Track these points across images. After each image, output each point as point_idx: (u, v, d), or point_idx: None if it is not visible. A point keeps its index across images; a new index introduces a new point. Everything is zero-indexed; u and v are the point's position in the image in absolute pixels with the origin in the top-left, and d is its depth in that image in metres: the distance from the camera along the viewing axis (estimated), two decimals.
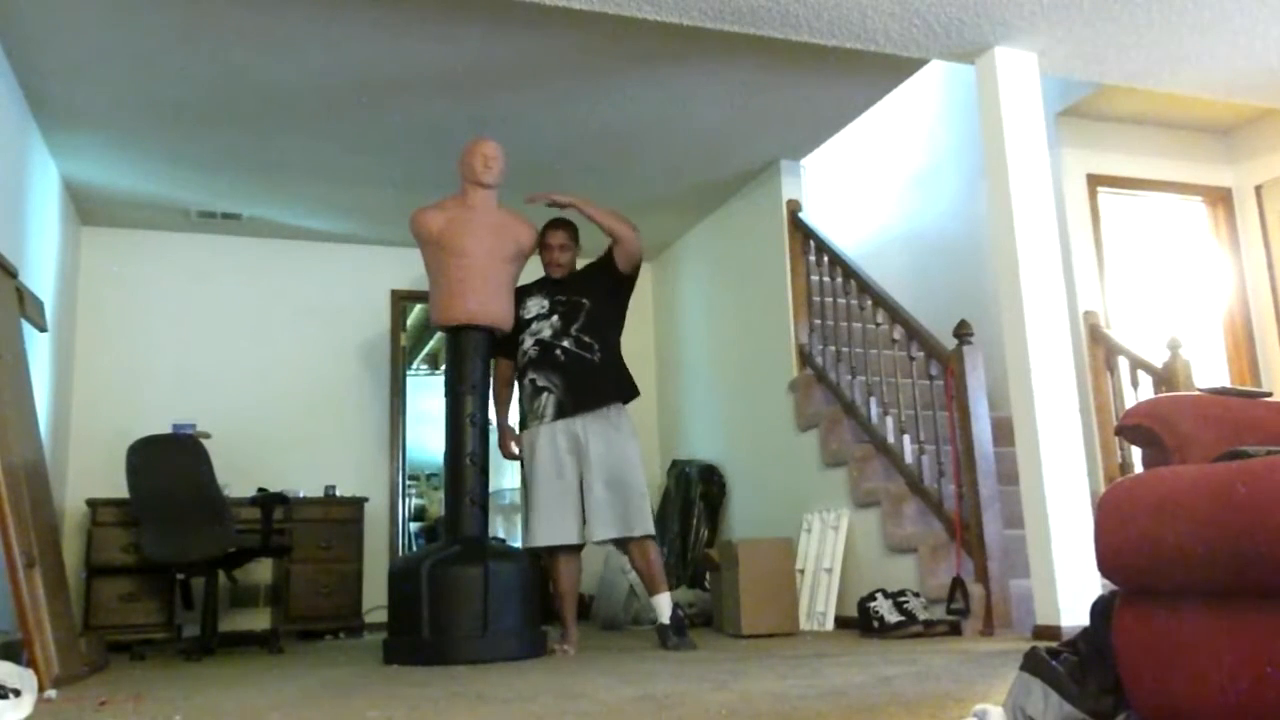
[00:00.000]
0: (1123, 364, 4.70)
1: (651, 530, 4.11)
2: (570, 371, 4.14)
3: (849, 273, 5.05)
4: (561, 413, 4.12)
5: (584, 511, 4.11)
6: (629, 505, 4.05)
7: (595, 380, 4.17)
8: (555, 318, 4.22)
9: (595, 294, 4.29)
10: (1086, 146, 5.22)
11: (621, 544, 4.14)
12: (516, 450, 4.30)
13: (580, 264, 4.46)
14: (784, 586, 4.49)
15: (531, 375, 4.19)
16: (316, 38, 4.04)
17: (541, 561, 4.34)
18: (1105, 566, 1.64)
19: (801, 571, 4.83)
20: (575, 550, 4.17)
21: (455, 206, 4.17)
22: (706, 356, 6.46)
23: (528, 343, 4.23)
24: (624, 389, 4.25)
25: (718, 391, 6.30)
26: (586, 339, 4.20)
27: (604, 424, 4.13)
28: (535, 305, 4.29)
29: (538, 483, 4.13)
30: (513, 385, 4.42)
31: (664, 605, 4.04)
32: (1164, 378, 4.40)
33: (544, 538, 4.09)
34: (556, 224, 4.40)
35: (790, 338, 5.43)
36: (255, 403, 6.14)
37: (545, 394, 4.15)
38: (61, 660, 3.21)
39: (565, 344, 4.17)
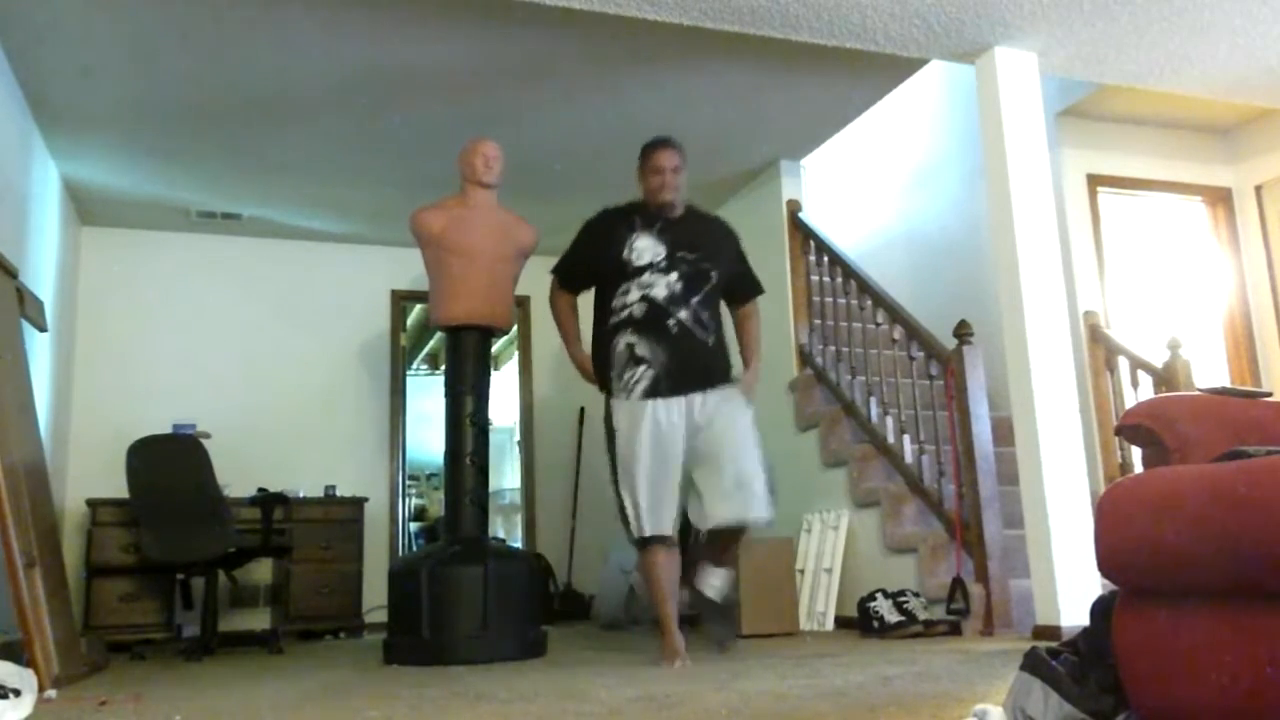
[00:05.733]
0: (1123, 364, 4.70)
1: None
2: (680, 350, 3.49)
3: (849, 273, 5.05)
4: (654, 393, 3.46)
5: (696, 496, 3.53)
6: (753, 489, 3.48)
7: (706, 364, 3.55)
8: (675, 276, 3.51)
9: (722, 266, 3.67)
10: (1086, 146, 5.22)
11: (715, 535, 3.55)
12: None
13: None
14: (784, 586, 4.49)
15: (630, 339, 3.50)
16: (316, 38, 4.04)
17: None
18: (1105, 566, 1.64)
19: (801, 571, 4.83)
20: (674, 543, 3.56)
21: (456, 206, 4.17)
22: None
23: (633, 295, 3.51)
24: (730, 375, 3.67)
25: None
26: (705, 316, 3.56)
27: (720, 399, 3.53)
28: (648, 248, 3.54)
29: (642, 464, 3.44)
30: (577, 313, 3.81)
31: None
32: (1164, 378, 4.40)
33: (654, 525, 3.44)
34: (664, 142, 3.63)
35: (790, 338, 5.43)
36: (255, 403, 6.13)
37: (643, 366, 3.48)
38: (61, 660, 3.21)
39: (682, 315, 3.50)
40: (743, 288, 3.84)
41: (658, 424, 3.45)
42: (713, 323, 3.59)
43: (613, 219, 3.64)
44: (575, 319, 3.80)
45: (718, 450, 3.44)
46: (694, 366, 3.50)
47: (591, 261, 3.68)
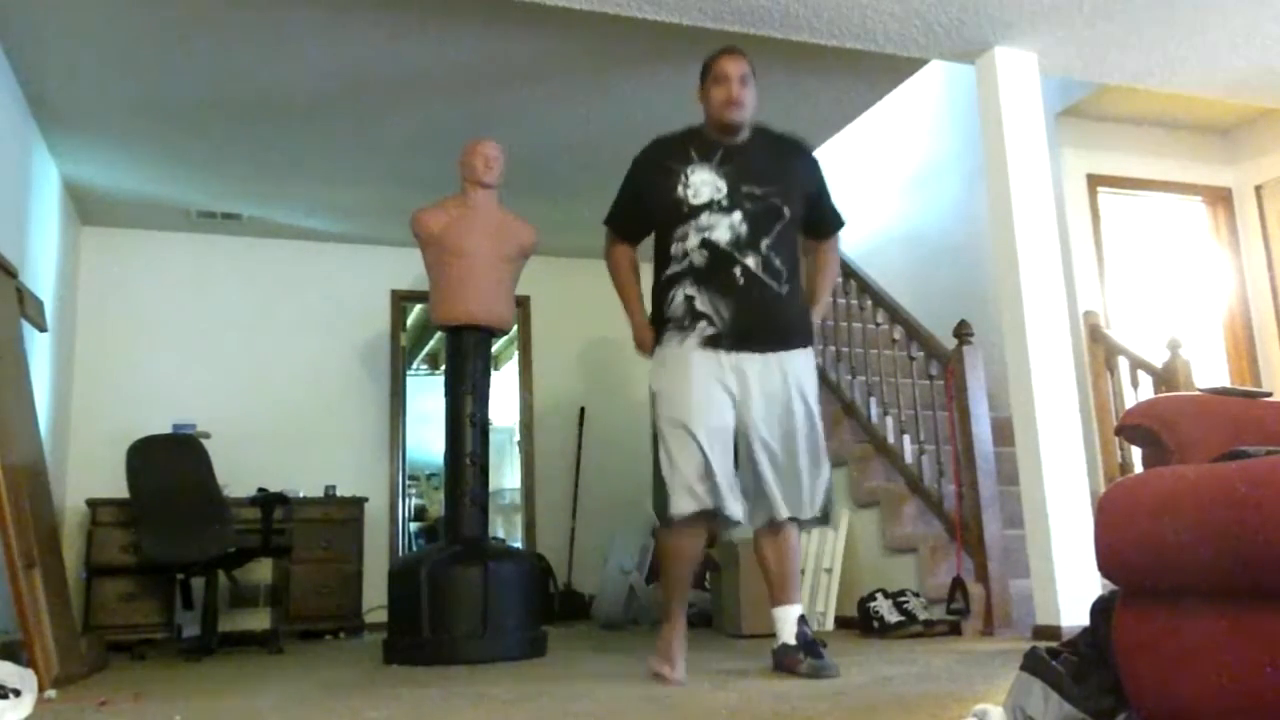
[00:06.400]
0: (1123, 364, 4.70)
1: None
2: (749, 303, 2.97)
3: (849, 273, 5.05)
4: (714, 344, 2.96)
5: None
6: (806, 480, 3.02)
7: (778, 318, 3.02)
8: (739, 216, 2.99)
9: (795, 200, 3.09)
10: (1086, 146, 5.22)
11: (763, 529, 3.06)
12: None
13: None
14: None
15: (689, 291, 2.99)
16: (316, 38, 4.04)
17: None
18: (1105, 566, 1.64)
19: (801, 571, 4.82)
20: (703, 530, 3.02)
21: (456, 206, 4.18)
22: None
23: (692, 240, 2.99)
24: (810, 331, 3.14)
25: None
26: (778, 263, 3.00)
27: (780, 361, 3.01)
28: (706, 184, 3.02)
29: (691, 422, 2.89)
30: (638, 271, 3.25)
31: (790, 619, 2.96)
32: (1164, 378, 4.40)
33: (695, 499, 2.88)
34: (730, 49, 3.10)
35: None
36: (255, 403, 6.13)
37: (703, 322, 2.97)
38: (61, 660, 3.22)
39: (749, 262, 2.97)
40: (820, 220, 3.24)
41: (713, 378, 2.92)
42: (787, 267, 3.02)
43: (665, 149, 3.12)
44: (638, 280, 3.23)
45: (760, 424, 2.95)
46: (765, 322, 2.99)
47: (646, 202, 3.13)
